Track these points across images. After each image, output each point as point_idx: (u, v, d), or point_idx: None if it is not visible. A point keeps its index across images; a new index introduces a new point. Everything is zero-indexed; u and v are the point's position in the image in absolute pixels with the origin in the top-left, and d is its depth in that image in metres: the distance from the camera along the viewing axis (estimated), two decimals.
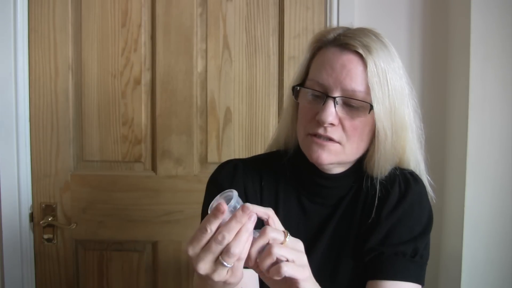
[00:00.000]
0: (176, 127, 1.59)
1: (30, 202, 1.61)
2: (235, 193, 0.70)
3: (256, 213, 0.68)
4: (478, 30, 1.38)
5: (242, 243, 0.66)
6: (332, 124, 0.86)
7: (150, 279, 1.63)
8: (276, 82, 1.58)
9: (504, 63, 1.39)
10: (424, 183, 0.98)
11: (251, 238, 0.68)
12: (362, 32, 0.89)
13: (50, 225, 1.61)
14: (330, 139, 0.87)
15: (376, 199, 0.92)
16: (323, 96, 0.86)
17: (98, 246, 1.63)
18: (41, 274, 1.63)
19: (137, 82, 1.58)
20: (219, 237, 0.66)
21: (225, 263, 0.66)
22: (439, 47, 1.55)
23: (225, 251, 0.66)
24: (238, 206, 0.68)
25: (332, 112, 0.85)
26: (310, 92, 0.89)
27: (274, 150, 1.04)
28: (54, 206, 1.61)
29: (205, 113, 1.59)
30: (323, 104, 0.86)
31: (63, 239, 1.62)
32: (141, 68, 1.58)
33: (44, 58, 1.57)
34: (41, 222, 1.60)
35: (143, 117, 1.59)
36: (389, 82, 0.86)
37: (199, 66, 1.58)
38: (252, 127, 1.60)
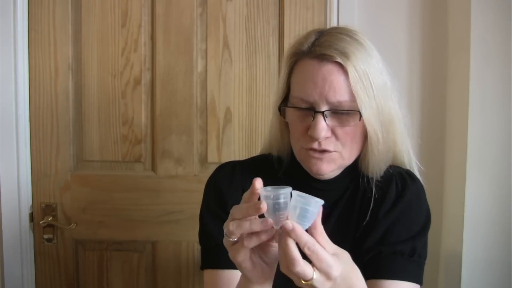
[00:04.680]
0: (176, 127, 1.59)
1: (30, 202, 1.61)
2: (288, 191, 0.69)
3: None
4: (478, 30, 1.38)
5: (238, 225, 0.69)
6: (325, 137, 0.86)
7: (150, 279, 1.63)
8: (276, 82, 1.57)
9: (504, 63, 1.39)
10: (415, 172, 0.98)
11: (257, 222, 0.68)
12: (336, 37, 0.87)
13: (50, 225, 1.61)
14: (327, 151, 0.87)
15: (372, 201, 0.92)
16: (311, 112, 0.86)
17: (98, 246, 1.63)
18: (41, 274, 1.63)
19: (137, 82, 1.58)
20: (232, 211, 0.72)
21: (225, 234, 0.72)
22: (439, 47, 1.55)
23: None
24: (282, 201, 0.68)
25: (323, 127, 0.84)
26: (297, 110, 0.88)
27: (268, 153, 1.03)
28: (54, 206, 1.61)
29: (205, 113, 1.59)
30: (313, 120, 0.85)
31: (63, 239, 1.62)
32: (141, 68, 1.58)
33: (44, 58, 1.58)
34: (41, 222, 1.60)
35: (143, 117, 1.59)
36: (372, 82, 0.85)
37: (199, 66, 1.58)
38: (252, 127, 1.60)
